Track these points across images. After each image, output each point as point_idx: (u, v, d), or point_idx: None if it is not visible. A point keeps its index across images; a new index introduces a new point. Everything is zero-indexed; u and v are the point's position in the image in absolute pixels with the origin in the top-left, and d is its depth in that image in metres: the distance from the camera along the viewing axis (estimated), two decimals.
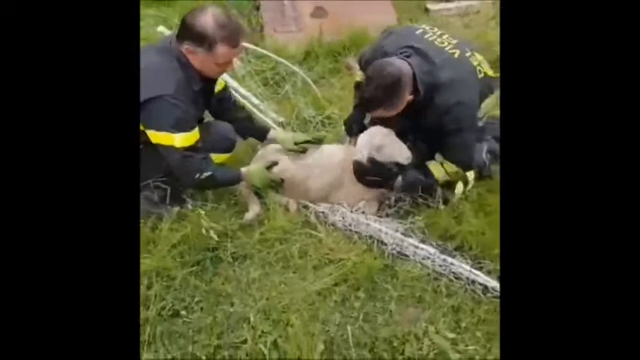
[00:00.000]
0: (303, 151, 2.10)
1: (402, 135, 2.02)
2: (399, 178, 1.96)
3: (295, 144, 2.11)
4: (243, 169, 2.01)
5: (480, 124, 2.06)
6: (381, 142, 1.92)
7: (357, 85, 2.24)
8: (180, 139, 1.73)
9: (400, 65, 1.79)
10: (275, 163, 2.06)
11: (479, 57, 1.99)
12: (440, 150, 1.98)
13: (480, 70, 1.94)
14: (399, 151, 1.92)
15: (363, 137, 1.98)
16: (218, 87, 2.06)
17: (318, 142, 2.15)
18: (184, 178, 1.85)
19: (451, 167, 1.96)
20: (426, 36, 1.95)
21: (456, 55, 1.90)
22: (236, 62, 1.86)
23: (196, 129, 1.80)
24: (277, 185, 2.07)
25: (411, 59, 1.85)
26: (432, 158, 2.00)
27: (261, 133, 2.23)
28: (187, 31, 1.68)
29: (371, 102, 1.84)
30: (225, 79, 2.19)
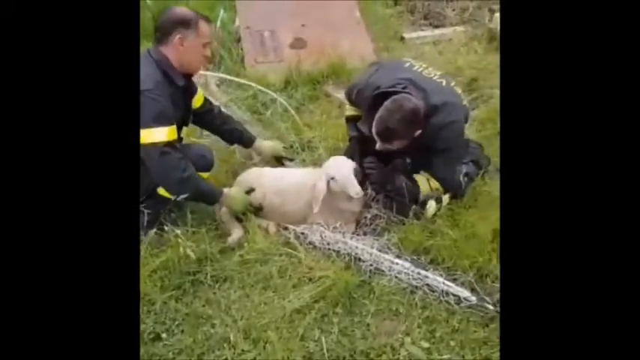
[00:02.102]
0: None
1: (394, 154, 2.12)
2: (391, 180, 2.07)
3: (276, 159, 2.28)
4: (225, 190, 2.07)
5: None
6: (336, 174, 2.00)
7: (350, 119, 2.37)
8: (160, 134, 1.80)
9: (416, 101, 1.91)
10: (253, 189, 2.13)
11: (459, 89, 2.12)
12: (426, 168, 2.08)
13: (462, 98, 2.07)
14: (351, 186, 1.96)
15: (334, 159, 2.09)
16: (197, 102, 2.17)
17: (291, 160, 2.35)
18: (163, 177, 1.88)
19: (435, 184, 2.06)
20: (414, 68, 2.08)
21: (443, 84, 2.03)
22: (211, 46, 2.03)
23: (175, 126, 1.87)
24: (257, 210, 2.13)
25: (409, 90, 1.95)
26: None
27: (247, 141, 2.34)
28: (172, 24, 1.89)
29: (392, 133, 1.93)
30: (205, 96, 2.29)
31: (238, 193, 2.09)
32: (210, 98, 2.44)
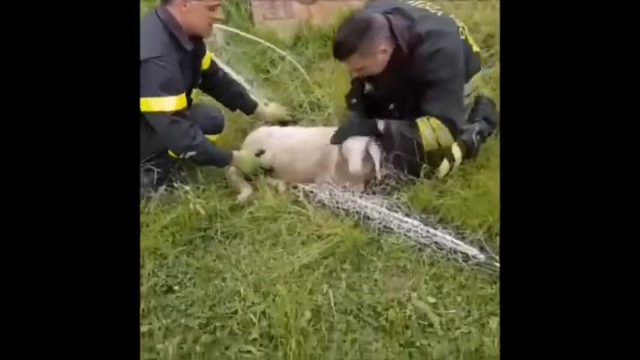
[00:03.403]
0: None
1: (389, 97, 2.06)
2: (383, 123, 2.00)
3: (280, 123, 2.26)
4: (235, 153, 2.07)
5: (467, 100, 2.09)
6: (346, 142, 1.97)
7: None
8: (170, 103, 1.79)
9: (371, 14, 1.83)
10: (262, 151, 2.12)
11: (466, 29, 2.02)
12: (423, 105, 1.97)
13: (462, 32, 1.96)
14: (352, 159, 1.93)
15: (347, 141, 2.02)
16: (205, 64, 2.13)
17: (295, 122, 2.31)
18: (173, 145, 1.89)
19: (435, 122, 1.94)
20: (409, 2, 2.00)
21: (438, 14, 1.94)
22: (220, 10, 1.95)
23: (184, 94, 1.86)
24: (267, 172, 2.14)
25: (390, 15, 1.89)
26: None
27: (249, 107, 2.31)
28: None
29: (343, 46, 1.87)
30: (212, 57, 2.26)
31: (248, 156, 2.09)
32: (216, 57, 2.42)
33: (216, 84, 2.26)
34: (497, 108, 2.34)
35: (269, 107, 2.41)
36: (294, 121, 2.45)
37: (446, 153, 2.08)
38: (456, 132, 1.97)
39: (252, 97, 2.41)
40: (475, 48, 2.08)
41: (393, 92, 2.08)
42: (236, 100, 2.33)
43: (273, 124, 2.41)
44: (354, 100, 2.21)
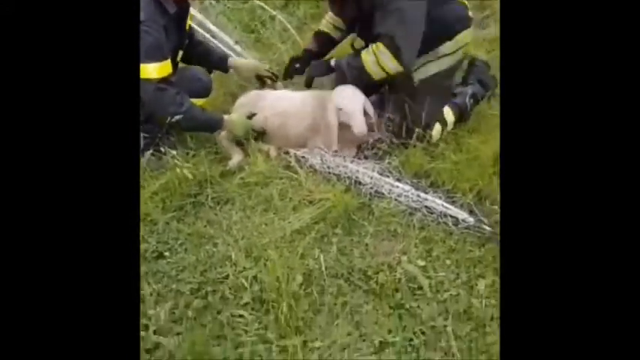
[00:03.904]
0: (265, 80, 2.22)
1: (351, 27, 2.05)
2: (334, 60, 2.02)
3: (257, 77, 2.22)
4: (226, 117, 2.04)
5: (452, 59, 2.05)
6: (344, 105, 1.92)
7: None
8: (152, 70, 1.75)
9: None
10: (254, 114, 2.08)
11: None
12: (373, 29, 1.91)
13: None
14: (356, 122, 1.89)
15: (339, 90, 1.99)
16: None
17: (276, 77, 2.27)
18: (160, 112, 1.85)
19: (377, 47, 1.88)
20: None
21: None
22: None
23: (169, 61, 1.81)
24: (259, 135, 2.11)
25: None
26: None
27: (222, 63, 2.25)
28: None
29: None
30: (197, 24, 2.19)
31: (240, 119, 2.06)
32: (203, 16, 2.34)
33: (193, 46, 2.19)
34: (494, 72, 2.31)
35: (244, 60, 2.33)
36: (273, 76, 2.35)
37: (438, 117, 2.06)
38: (400, 55, 1.87)
39: (219, 52, 2.31)
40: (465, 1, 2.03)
41: (354, 20, 2.05)
42: (206, 58, 2.25)
43: (251, 80, 2.35)
44: (297, 65, 2.22)
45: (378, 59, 1.89)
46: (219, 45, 2.52)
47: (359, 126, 1.89)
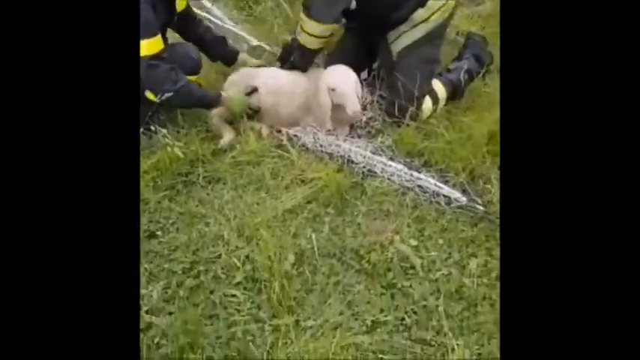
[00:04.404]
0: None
1: None
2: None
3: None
4: (223, 94, 2.00)
5: (432, 24, 1.96)
6: (337, 85, 1.88)
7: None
8: (144, 46, 1.71)
9: None
10: (255, 90, 2.04)
11: None
12: None
13: None
14: (350, 102, 1.85)
15: (330, 70, 1.96)
16: (180, 5, 2.01)
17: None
18: (155, 89, 1.82)
19: (301, 18, 1.88)
20: None
21: None
22: None
23: (159, 36, 1.77)
24: (254, 113, 2.07)
25: None
26: None
27: (230, 57, 2.21)
28: None
29: None
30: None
31: (237, 95, 2.02)
32: None
33: (192, 29, 2.14)
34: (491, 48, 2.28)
35: (252, 59, 2.29)
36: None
37: (427, 90, 2.03)
38: (311, 13, 1.85)
39: (232, 46, 2.27)
40: None
41: None
42: (215, 49, 2.20)
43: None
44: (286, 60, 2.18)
45: (303, 29, 1.90)
46: (215, 20, 2.47)
47: (353, 105, 1.86)
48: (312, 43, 1.93)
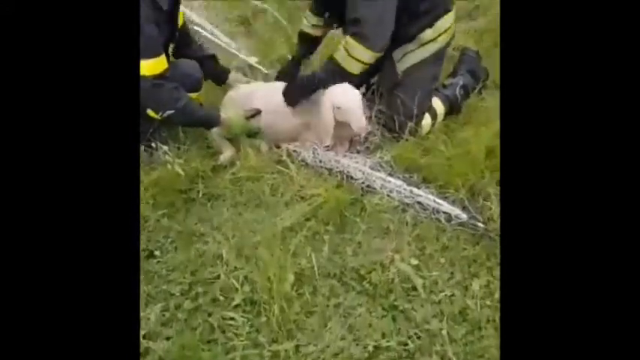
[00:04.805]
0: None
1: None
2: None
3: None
4: (223, 115, 2.00)
5: (435, 46, 1.99)
6: (343, 103, 1.86)
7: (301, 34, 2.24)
8: (147, 67, 1.71)
9: None
10: (258, 112, 2.03)
11: None
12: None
13: None
14: (356, 119, 1.84)
15: (335, 89, 1.92)
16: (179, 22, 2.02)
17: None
18: (157, 109, 1.82)
19: (347, 42, 1.83)
20: None
21: None
22: None
23: (163, 56, 1.77)
24: (255, 133, 2.06)
25: None
26: None
27: (221, 77, 2.21)
28: None
29: None
30: (184, 17, 2.12)
31: (237, 118, 2.00)
32: (195, 14, 2.28)
33: (186, 47, 2.14)
34: (485, 63, 2.28)
35: (243, 78, 2.28)
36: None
37: (428, 107, 2.04)
38: (369, 42, 1.81)
39: (223, 65, 2.26)
40: None
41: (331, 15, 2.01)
42: (206, 67, 2.18)
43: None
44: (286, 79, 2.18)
45: (349, 54, 1.84)
46: (214, 39, 2.47)
47: (359, 122, 1.84)
48: (356, 69, 1.88)
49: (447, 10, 1.96)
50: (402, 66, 1.99)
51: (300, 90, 1.98)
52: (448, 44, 2.06)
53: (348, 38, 1.82)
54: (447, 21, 1.96)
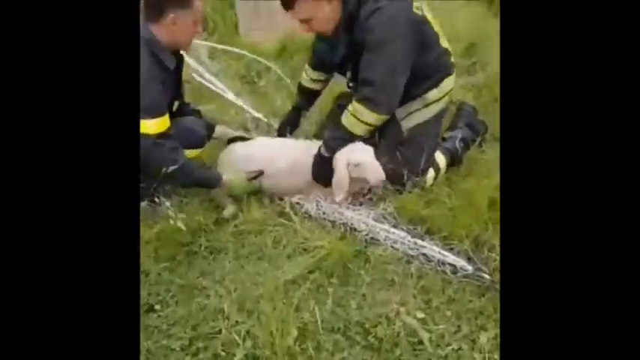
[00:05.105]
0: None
1: (344, 64, 2.03)
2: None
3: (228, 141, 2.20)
4: (224, 177, 2.00)
5: (438, 106, 2.04)
6: (360, 160, 1.90)
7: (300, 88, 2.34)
8: (150, 126, 1.75)
9: None
10: (261, 173, 2.04)
11: (424, 10, 1.95)
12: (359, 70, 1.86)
13: (418, 9, 1.88)
14: (374, 172, 1.88)
15: (347, 148, 1.95)
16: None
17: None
18: (156, 167, 1.83)
19: (354, 107, 1.85)
20: None
21: None
22: (201, 24, 1.91)
23: (167, 115, 1.81)
24: (257, 192, 2.08)
25: None
26: None
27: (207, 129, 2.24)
28: (165, 1, 1.75)
29: None
30: (197, 75, 2.21)
31: (238, 180, 2.01)
32: (202, 69, 2.36)
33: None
34: (482, 117, 2.34)
35: (229, 131, 2.31)
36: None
37: (431, 163, 2.07)
38: (377, 107, 1.84)
39: (207, 120, 2.29)
40: (444, 43, 2.02)
41: (347, 58, 2.02)
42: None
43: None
44: (288, 129, 2.31)
45: (358, 119, 1.87)
46: (220, 93, 2.56)
47: (378, 174, 1.87)
48: (363, 131, 1.91)
49: (450, 73, 2.04)
50: (406, 124, 2.03)
51: (321, 167, 2.00)
52: (449, 104, 2.14)
53: (356, 104, 1.86)
54: (450, 82, 2.04)
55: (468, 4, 3.55)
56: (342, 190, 1.93)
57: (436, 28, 1.98)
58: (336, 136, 1.95)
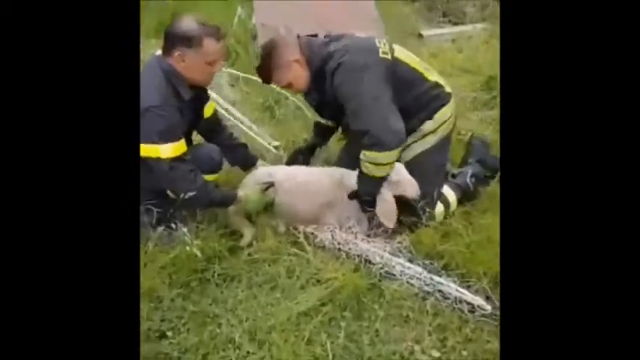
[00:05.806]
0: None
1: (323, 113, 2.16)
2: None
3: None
4: (240, 193, 2.03)
5: (435, 137, 2.04)
6: (397, 178, 1.93)
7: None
8: (166, 150, 1.77)
9: (278, 34, 1.93)
10: (272, 185, 2.06)
11: (398, 48, 2.02)
12: (348, 121, 1.94)
13: (384, 52, 1.91)
14: (410, 185, 1.92)
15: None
16: (207, 112, 2.12)
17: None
18: (173, 190, 1.85)
19: (364, 154, 1.88)
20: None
21: (362, 37, 1.97)
22: (221, 63, 1.94)
23: (182, 140, 1.84)
24: (270, 206, 2.08)
25: (305, 36, 1.98)
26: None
27: (248, 163, 2.27)
28: (174, 38, 1.80)
29: (261, 68, 2.01)
30: (215, 104, 2.24)
31: (254, 194, 2.03)
32: (221, 99, 2.40)
33: (215, 136, 2.23)
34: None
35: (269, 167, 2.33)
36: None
37: (439, 196, 2.05)
38: (385, 147, 1.84)
39: (251, 153, 2.34)
40: (432, 77, 2.03)
41: (324, 108, 2.12)
42: (235, 155, 2.27)
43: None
44: (299, 159, 2.33)
45: (375, 164, 1.88)
46: (237, 123, 2.59)
47: (414, 187, 1.91)
48: (386, 171, 1.91)
49: (445, 103, 2.04)
50: (406, 156, 2.03)
51: (368, 203, 2.00)
52: (449, 134, 2.12)
53: (366, 152, 1.87)
54: (446, 113, 2.04)
55: (490, 38, 3.57)
56: (393, 215, 1.94)
57: (418, 66, 2.02)
58: (366, 187, 1.96)
